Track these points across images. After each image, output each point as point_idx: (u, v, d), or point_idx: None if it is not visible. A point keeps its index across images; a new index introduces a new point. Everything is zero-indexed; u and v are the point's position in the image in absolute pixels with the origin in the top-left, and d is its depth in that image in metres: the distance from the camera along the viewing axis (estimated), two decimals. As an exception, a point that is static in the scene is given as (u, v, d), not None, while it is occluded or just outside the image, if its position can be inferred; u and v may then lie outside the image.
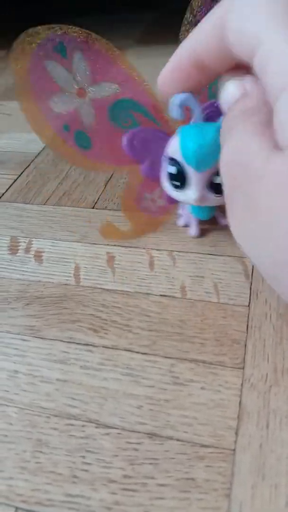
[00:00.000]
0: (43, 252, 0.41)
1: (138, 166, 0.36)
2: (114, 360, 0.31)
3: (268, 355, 0.30)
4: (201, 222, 0.40)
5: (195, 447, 0.26)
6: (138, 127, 0.34)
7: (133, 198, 0.39)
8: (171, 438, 0.26)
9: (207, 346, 0.31)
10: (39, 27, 0.32)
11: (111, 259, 0.39)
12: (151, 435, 0.26)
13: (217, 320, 0.32)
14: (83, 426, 0.27)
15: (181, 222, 0.41)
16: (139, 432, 0.27)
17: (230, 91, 0.22)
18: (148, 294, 0.35)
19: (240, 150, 0.20)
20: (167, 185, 0.35)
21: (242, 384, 0.28)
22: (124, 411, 0.28)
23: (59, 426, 0.28)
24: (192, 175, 0.33)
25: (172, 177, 0.34)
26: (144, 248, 0.39)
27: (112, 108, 0.34)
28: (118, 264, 0.38)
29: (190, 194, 0.34)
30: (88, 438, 0.27)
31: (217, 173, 0.32)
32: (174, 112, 0.28)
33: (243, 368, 0.29)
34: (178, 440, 0.26)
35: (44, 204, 0.47)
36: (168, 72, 0.24)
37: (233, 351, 0.30)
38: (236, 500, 0.23)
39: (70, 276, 0.38)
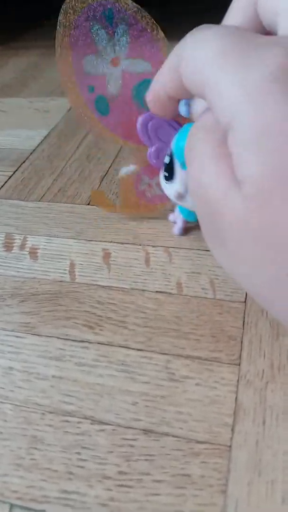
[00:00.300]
0: (38, 249, 0.40)
1: (146, 148, 0.36)
2: (109, 356, 0.31)
3: (265, 352, 0.29)
4: (188, 222, 0.39)
5: (191, 443, 0.26)
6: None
7: (131, 179, 0.39)
8: (166, 434, 0.26)
9: (203, 343, 0.31)
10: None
11: (106, 255, 0.39)
12: (147, 432, 0.26)
13: (213, 316, 0.32)
14: (78, 422, 0.27)
15: (171, 217, 0.41)
16: (134, 428, 0.27)
17: (196, 105, 0.23)
18: (144, 290, 0.35)
19: (200, 178, 0.20)
20: (161, 173, 0.36)
21: (238, 381, 0.28)
22: (119, 408, 0.28)
23: (55, 422, 0.27)
24: (179, 170, 0.33)
25: (165, 166, 0.34)
26: (140, 245, 0.39)
27: (139, 85, 0.35)
28: (114, 260, 0.38)
29: (172, 188, 0.34)
30: (84, 434, 0.27)
31: None
32: (181, 109, 0.28)
33: (239, 364, 0.29)
34: (173, 436, 0.26)
35: (39, 201, 0.46)
36: (150, 102, 0.26)
37: (229, 347, 0.30)
38: (232, 496, 0.23)
39: (66, 273, 0.37)
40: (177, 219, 0.40)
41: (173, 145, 0.33)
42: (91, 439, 0.26)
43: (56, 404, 0.28)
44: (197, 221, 0.38)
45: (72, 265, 0.38)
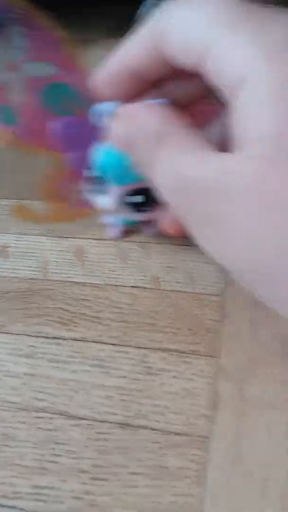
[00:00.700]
0: (9, 247, 0.39)
1: (63, 154, 0.35)
2: (83, 352, 0.30)
3: (243, 344, 0.29)
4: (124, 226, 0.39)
5: (168, 435, 0.25)
6: (69, 116, 0.33)
7: (54, 185, 0.38)
8: (143, 427, 0.25)
9: (180, 336, 0.30)
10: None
11: (80, 251, 0.38)
12: (122, 425, 0.26)
13: (191, 310, 0.32)
14: (51, 418, 0.26)
15: (104, 220, 0.40)
16: (110, 422, 0.26)
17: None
18: (118, 286, 0.35)
19: (176, 176, 0.19)
20: (86, 185, 0.35)
21: (216, 373, 0.28)
22: (94, 402, 0.27)
23: (27, 419, 0.27)
24: (110, 185, 0.33)
25: (93, 180, 0.34)
26: (114, 240, 0.39)
27: (48, 90, 0.33)
28: (87, 256, 0.37)
29: (104, 200, 0.34)
30: (57, 430, 0.26)
31: (137, 192, 0.32)
32: (94, 118, 0.27)
33: (217, 357, 0.29)
34: (150, 429, 0.25)
35: (7, 198, 0.45)
36: (102, 77, 0.24)
37: (207, 340, 0.30)
38: (209, 487, 0.23)
39: (38, 271, 0.37)
40: (113, 222, 0.39)
41: (97, 160, 0.32)
42: (65, 434, 0.25)
43: (28, 401, 0.27)
44: (133, 225, 0.38)
45: (44, 262, 0.37)
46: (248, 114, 0.17)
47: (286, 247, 0.16)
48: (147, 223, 0.37)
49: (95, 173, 0.33)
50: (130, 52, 0.22)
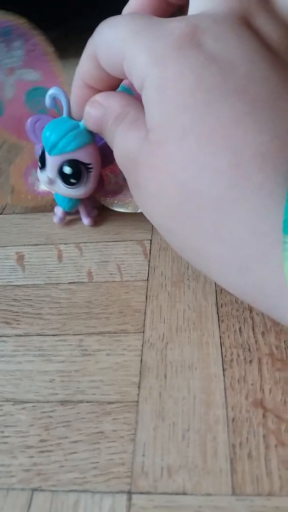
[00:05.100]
0: None
1: (34, 145, 0.42)
2: (27, 345, 0.33)
3: (164, 318, 0.33)
4: (67, 213, 0.43)
5: (103, 405, 0.28)
6: (43, 114, 0.40)
7: (21, 171, 0.43)
8: (81, 401, 0.29)
9: (112, 319, 0.33)
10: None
11: (20, 257, 0.41)
12: (63, 402, 0.29)
13: (120, 296, 0.35)
14: (0, 406, 0.29)
15: (55, 209, 0.44)
16: (52, 402, 0.29)
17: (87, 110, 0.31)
18: (57, 284, 0.38)
19: (121, 148, 0.26)
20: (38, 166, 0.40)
21: (142, 345, 0.31)
22: (38, 387, 0.30)
23: (-21, 410, 0.29)
24: (47, 158, 0.37)
25: (39, 158, 0.39)
26: (52, 244, 0.42)
27: (30, 92, 0.40)
28: (28, 261, 0.40)
29: (44, 175, 0.38)
30: (6, 415, 0.29)
31: (67, 163, 0.36)
32: (46, 101, 0.34)
33: (143, 332, 0.32)
34: (87, 402, 0.29)
35: None
36: (73, 95, 0.32)
37: (135, 319, 0.33)
38: (140, 442, 0.26)
39: (-17, 279, 0.39)
40: (56, 209, 0.43)
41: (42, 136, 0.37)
42: (13, 418, 0.28)
43: (-21, 395, 0.30)
44: (70, 209, 0.42)
45: (-12, 271, 0.40)
46: (147, 108, 0.23)
47: (166, 199, 0.22)
48: (85, 208, 0.41)
49: (40, 150, 0.38)
50: (82, 65, 0.29)
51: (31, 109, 0.40)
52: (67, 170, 0.36)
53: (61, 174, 0.37)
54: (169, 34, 0.22)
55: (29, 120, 0.40)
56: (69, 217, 0.44)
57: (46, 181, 0.38)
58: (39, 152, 0.38)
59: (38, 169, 0.39)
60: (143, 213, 0.26)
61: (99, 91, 0.29)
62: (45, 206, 0.45)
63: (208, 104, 0.20)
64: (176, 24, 0.22)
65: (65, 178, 0.37)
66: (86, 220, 0.43)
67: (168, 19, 0.24)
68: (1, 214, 0.47)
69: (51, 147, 0.36)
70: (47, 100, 0.36)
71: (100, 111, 0.28)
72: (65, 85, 0.39)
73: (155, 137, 0.22)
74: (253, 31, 0.22)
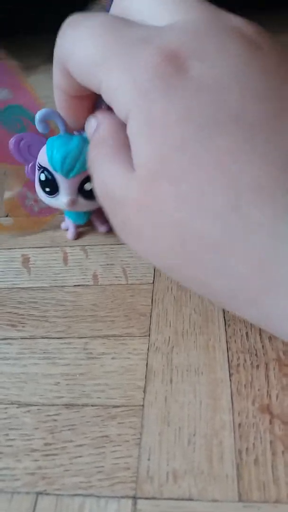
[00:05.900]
0: None
1: (23, 167, 0.39)
2: (32, 348, 0.33)
3: (170, 321, 0.32)
4: (78, 226, 0.43)
5: (108, 409, 0.28)
6: (25, 132, 0.37)
7: (17, 197, 0.41)
8: (86, 405, 0.28)
9: (117, 322, 0.33)
10: None
11: (26, 260, 0.41)
12: (68, 406, 0.29)
13: (126, 299, 0.35)
14: (5, 408, 0.29)
15: (63, 225, 0.43)
16: (57, 405, 0.29)
17: (91, 125, 0.27)
18: (63, 286, 0.38)
19: (102, 182, 0.24)
20: (40, 192, 0.38)
21: (148, 349, 0.31)
22: (43, 390, 0.30)
23: (-16, 413, 0.29)
24: (62, 181, 0.35)
25: (43, 184, 0.36)
26: (58, 247, 0.42)
27: (3, 111, 0.37)
28: (33, 264, 0.40)
29: (61, 200, 0.36)
30: (11, 418, 0.29)
31: (86, 180, 0.35)
32: (38, 126, 0.33)
33: (148, 335, 0.32)
34: (92, 405, 0.28)
35: None
36: (63, 110, 0.30)
37: (140, 322, 0.33)
38: (145, 446, 0.26)
39: (-12, 281, 0.39)
40: (68, 225, 0.43)
41: (44, 159, 0.35)
42: (18, 421, 0.28)
43: (-16, 397, 0.30)
44: (84, 222, 0.42)
45: (-6, 273, 0.40)
46: (134, 142, 0.21)
47: (164, 241, 0.21)
48: (99, 215, 0.41)
49: (44, 175, 0.36)
50: (58, 80, 0.27)
51: (10, 130, 0.38)
52: (88, 186, 0.35)
53: (82, 192, 0.36)
54: (149, 59, 0.20)
55: (12, 141, 0.37)
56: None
57: (67, 204, 0.36)
58: (42, 178, 0.36)
59: (45, 196, 0.37)
60: (133, 250, 0.25)
61: (87, 97, 0.28)
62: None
63: (203, 138, 0.19)
64: (153, 45, 0.21)
65: (86, 194, 0.36)
66: (102, 228, 0.42)
67: (134, 33, 0.22)
68: (6, 216, 0.47)
69: (68, 171, 0.34)
70: (39, 126, 0.33)
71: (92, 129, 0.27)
72: (38, 99, 0.38)
73: (145, 175, 0.21)
74: (233, 30, 0.21)
